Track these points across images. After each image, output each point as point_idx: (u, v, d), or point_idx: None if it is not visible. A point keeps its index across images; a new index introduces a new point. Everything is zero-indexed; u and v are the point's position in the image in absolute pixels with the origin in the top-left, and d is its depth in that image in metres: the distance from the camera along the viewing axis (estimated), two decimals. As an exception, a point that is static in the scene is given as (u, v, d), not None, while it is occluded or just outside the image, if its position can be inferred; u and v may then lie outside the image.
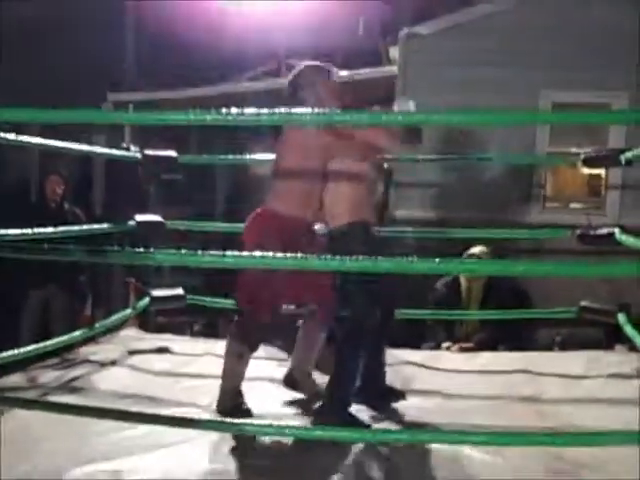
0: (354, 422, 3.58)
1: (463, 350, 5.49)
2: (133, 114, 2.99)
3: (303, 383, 4.11)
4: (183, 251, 2.63)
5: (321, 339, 4.15)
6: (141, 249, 2.65)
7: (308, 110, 2.68)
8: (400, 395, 4.15)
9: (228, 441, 3.36)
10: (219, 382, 4.39)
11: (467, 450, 3.27)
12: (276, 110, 2.58)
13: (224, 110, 2.57)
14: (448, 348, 5.62)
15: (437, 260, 2.48)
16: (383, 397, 4.07)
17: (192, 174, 8.81)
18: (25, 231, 3.91)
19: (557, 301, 5.64)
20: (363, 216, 3.81)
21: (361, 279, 3.62)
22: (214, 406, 3.86)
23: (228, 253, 2.60)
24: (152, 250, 2.69)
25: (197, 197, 8.95)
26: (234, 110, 2.57)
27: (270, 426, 3.02)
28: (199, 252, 2.62)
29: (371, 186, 3.94)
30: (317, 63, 4.10)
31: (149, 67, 9.60)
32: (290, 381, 4.14)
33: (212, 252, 2.62)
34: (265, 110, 2.59)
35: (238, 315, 3.95)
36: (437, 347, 5.70)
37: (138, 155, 5.25)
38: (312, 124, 3.15)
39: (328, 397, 3.74)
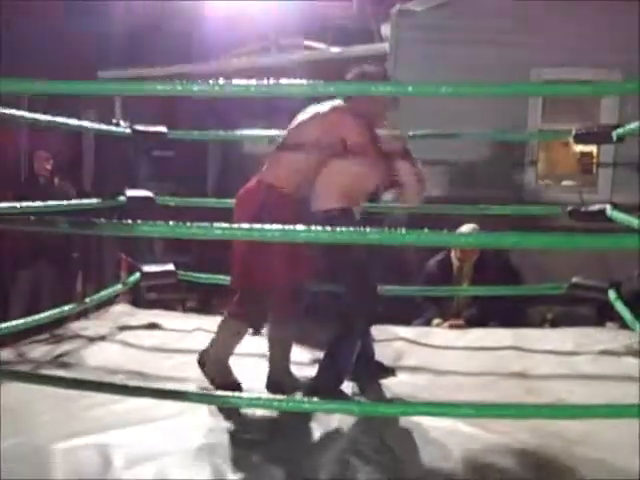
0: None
1: (453, 327, 5.49)
2: (124, 84, 2.96)
3: (286, 383, 3.86)
4: (170, 223, 2.62)
5: (291, 334, 3.98)
6: (124, 221, 2.64)
7: (295, 82, 2.65)
8: (389, 371, 4.15)
9: (217, 416, 3.36)
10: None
11: (457, 425, 3.28)
12: (263, 82, 2.56)
13: (211, 81, 2.56)
14: (438, 325, 5.63)
15: (425, 231, 2.46)
16: (372, 373, 4.07)
17: (183, 152, 8.79)
18: (13, 204, 3.91)
19: (549, 280, 5.65)
20: (348, 203, 3.78)
21: (351, 263, 3.65)
22: (205, 380, 3.86)
23: (216, 224, 2.59)
24: (139, 222, 2.66)
25: (188, 174, 8.91)
26: (221, 81, 2.55)
27: (259, 399, 3.02)
28: (187, 224, 2.61)
29: (369, 174, 3.87)
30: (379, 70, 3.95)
31: (139, 44, 9.52)
32: (272, 385, 3.88)
33: (200, 224, 2.61)
34: (252, 82, 2.57)
35: (237, 294, 3.90)
36: (427, 324, 5.70)
37: (128, 130, 5.24)
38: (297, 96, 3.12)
39: (320, 375, 3.73)
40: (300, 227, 2.53)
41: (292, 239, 2.59)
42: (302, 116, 3.87)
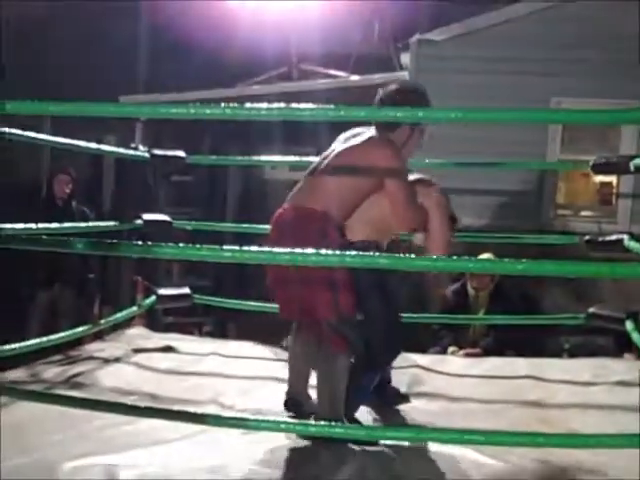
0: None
1: (469, 355, 5.47)
2: (139, 107, 3.01)
3: (305, 403, 3.82)
4: (181, 244, 2.63)
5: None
6: (136, 243, 2.65)
7: (308, 106, 2.66)
8: (404, 398, 4.12)
9: (228, 438, 3.34)
10: (223, 381, 4.45)
11: (470, 453, 3.26)
12: (274, 105, 2.58)
13: (222, 105, 2.58)
14: (454, 353, 5.60)
15: (434, 257, 2.46)
16: (388, 399, 4.04)
17: (203, 177, 8.86)
18: (30, 225, 3.93)
19: (567, 311, 5.61)
20: (377, 237, 3.67)
21: (379, 292, 3.58)
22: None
23: (226, 247, 2.60)
24: (150, 244, 2.68)
25: (207, 199, 8.96)
26: (232, 105, 2.58)
27: (277, 422, 3.00)
28: (197, 245, 2.62)
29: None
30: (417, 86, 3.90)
31: (161, 70, 9.64)
32: (292, 405, 3.83)
33: (209, 245, 2.62)
34: (264, 105, 2.59)
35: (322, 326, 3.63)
36: (444, 352, 5.68)
37: (147, 155, 5.28)
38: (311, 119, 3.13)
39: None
40: (310, 250, 2.52)
41: (302, 262, 2.59)
42: (344, 142, 3.72)
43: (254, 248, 2.54)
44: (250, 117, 2.68)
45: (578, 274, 2.43)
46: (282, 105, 2.61)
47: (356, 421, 3.55)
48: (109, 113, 3.04)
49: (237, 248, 2.56)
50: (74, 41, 9.10)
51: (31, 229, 3.90)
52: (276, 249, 2.60)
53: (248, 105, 2.63)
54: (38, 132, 4.05)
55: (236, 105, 2.58)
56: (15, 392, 3.61)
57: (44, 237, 3.03)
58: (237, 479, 2.91)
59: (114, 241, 2.73)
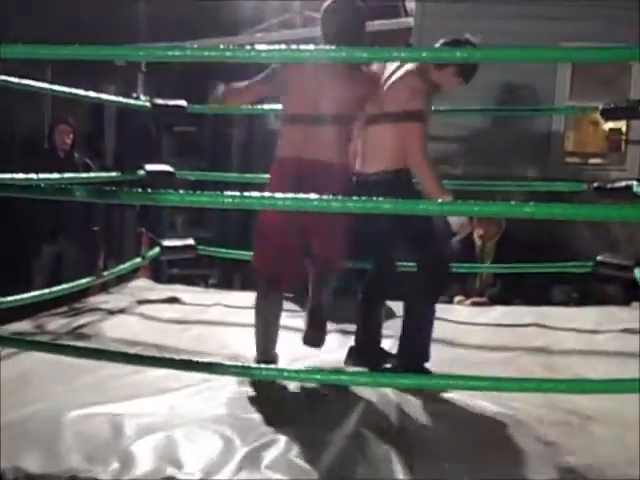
0: None
1: (476, 304, 5.44)
2: (134, 50, 2.94)
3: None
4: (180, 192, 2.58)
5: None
6: (136, 190, 2.61)
7: (309, 47, 2.60)
8: (390, 356, 3.93)
9: (231, 388, 3.33)
10: (229, 330, 4.44)
11: (474, 399, 3.25)
12: (275, 47, 2.51)
13: (221, 45, 2.51)
14: (460, 302, 5.57)
15: (439, 201, 2.41)
16: (374, 359, 3.89)
17: (206, 127, 8.76)
18: (31, 176, 3.89)
19: (575, 259, 5.56)
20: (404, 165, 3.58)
21: (429, 234, 3.54)
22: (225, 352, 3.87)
23: (226, 193, 2.55)
24: (150, 191, 2.63)
25: (210, 149, 8.88)
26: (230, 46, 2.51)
27: (288, 371, 2.98)
28: (197, 192, 2.57)
29: None
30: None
31: (161, 18, 9.46)
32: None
33: (210, 192, 2.57)
34: (264, 47, 2.52)
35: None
36: (450, 302, 5.64)
37: (148, 104, 5.22)
38: (313, 61, 3.04)
39: (405, 354, 3.64)
40: (314, 195, 2.46)
41: (305, 208, 2.54)
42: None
43: (255, 194, 2.48)
44: (250, 59, 2.61)
45: (586, 217, 2.37)
46: (283, 47, 2.54)
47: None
48: (104, 56, 2.96)
49: (238, 194, 2.51)
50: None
51: (32, 179, 3.88)
52: (278, 194, 2.54)
53: (247, 47, 2.56)
54: (39, 80, 4.00)
55: (235, 47, 2.51)
56: (18, 342, 3.60)
57: (43, 185, 2.96)
58: (240, 428, 2.88)
59: (114, 189, 2.68)
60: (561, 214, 2.28)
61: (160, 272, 6.60)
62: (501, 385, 2.81)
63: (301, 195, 2.47)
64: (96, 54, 2.69)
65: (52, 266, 6.45)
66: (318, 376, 2.66)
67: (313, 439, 2.80)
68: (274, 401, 3.22)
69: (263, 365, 3.26)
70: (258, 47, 2.58)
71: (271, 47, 2.57)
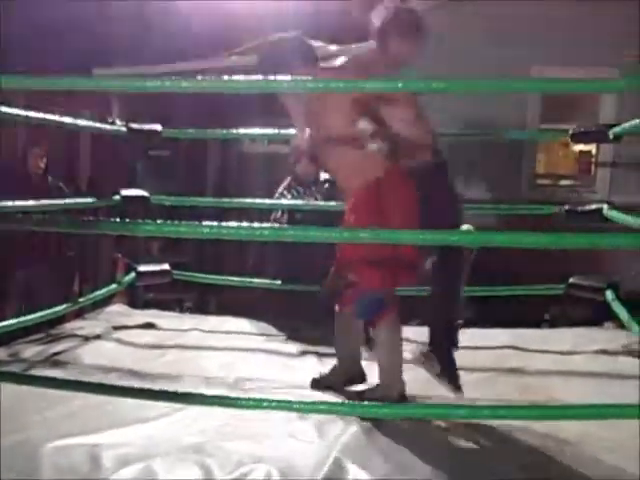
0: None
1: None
2: (116, 81, 2.92)
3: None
4: (158, 222, 2.59)
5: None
6: (114, 220, 2.61)
7: (285, 78, 2.62)
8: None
9: (207, 416, 3.32)
10: (205, 354, 4.44)
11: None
12: (251, 77, 2.54)
13: (198, 77, 2.54)
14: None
15: (420, 231, 2.44)
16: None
17: (181, 151, 8.77)
18: (6, 203, 3.87)
19: (548, 280, 5.61)
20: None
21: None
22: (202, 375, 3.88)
23: (204, 223, 2.56)
24: (128, 221, 2.64)
25: (186, 173, 8.89)
26: (209, 78, 2.54)
27: (254, 400, 2.99)
28: (175, 222, 2.58)
29: None
30: (294, 36, 3.67)
31: (135, 42, 9.49)
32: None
33: (188, 223, 2.58)
34: (239, 77, 2.55)
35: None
36: (423, 324, 5.66)
37: (123, 129, 5.23)
38: (288, 90, 3.07)
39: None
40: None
41: (279, 237, 2.56)
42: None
43: (232, 224, 2.51)
44: (228, 90, 2.64)
45: (557, 245, 2.40)
46: (259, 77, 2.56)
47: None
48: (90, 87, 3.00)
49: (215, 224, 2.53)
50: (46, 17, 8.94)
51: (9, 207, 3.86)
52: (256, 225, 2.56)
53: (226, 77, 2.58)
54: (10, 106, 3.95)
55: (212, 78, 2.54)
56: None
57: (39, 215, 2.96)
58: (219, 457, 2.88)
59: (93, 219, 2.69)
60: (534, 243, 2.31)
61: (136, 296, 6.57)
62: (478, 414, 2.83)
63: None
64: (84, 85, 2.72)
65: (26, 291, 6.40)
66: (295, 406, 2.66)
67: (292, 468, 2.81)
68: (253, 429, 3.22)
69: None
70: (235, 78, 2.59)
71: (249, 78, 2.59)
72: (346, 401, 3.52)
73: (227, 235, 2.56)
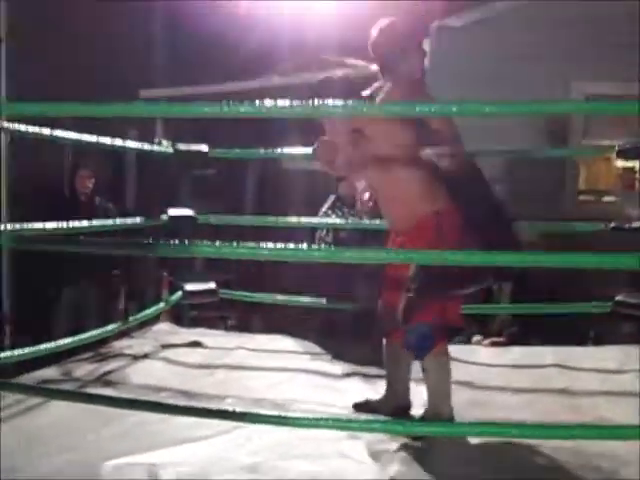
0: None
1: (494, 344, 5.47)
2: (169, 107, 2.96)
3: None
4: (217, 244, 2.65)
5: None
6: (173, 242, 2.67)
7: (338, 102, 2.67)
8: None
9: (260, 436, 3.36)
10: (252, 374, 4.49)
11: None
12: (308, 102, 2.59)
13: (257, 103, 2.59)
14: (478, 342, 5.60)
15: (467, 252, 2.47)
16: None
17: (223, 169, 8.86)
18: (59, 225, 3.95)
19: (594, 296, 5.59)
20: None
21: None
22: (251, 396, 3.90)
23: (263, 245, 2.61)
24: (187, 243, 2.70)
25: (226, 191, 8.98)
26: (267, 103, 2.58)
27: (308, 419, 3.02)
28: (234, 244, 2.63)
29: None
30: (341, 77, 3.82)
31: (180, 63, 9.63)
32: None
33: (247, 244, 2.63)
34: (297, 102, 2.59)
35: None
36: (468, 342, 5.68)
37: (170, 150, 5.31)
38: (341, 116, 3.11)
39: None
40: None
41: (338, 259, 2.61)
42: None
43: (290, 246, 2.55)
44: (285, 115, 2.68)
45: (614, 266, 2.41)
46: (302, 102, 2.57)
47: None
48: (139, 112, 3.07)
49: (273, 246, 2.57)
50: (90, 39, 9.12)
51: (62, 229, 3.95)
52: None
53: (268, 103, 2.60)
54: (58, 127, 4.02)
55: (270, 104, 2.58)
56: (50, 392, 3.64)
57: (92, 239, 3.04)
58: (277, 476, 2.92)
59: (151, 241, 2.74)
60: (565, 262, 2.33)
61: (181, 314, 6.65)
62: (531, 432, 2.84)
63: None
64: (133, 110, 2.78)
65: (74, 309, 6.52)
66: (354, 425, 2.70)
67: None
68: (306, 449, 3.26)
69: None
70: (278, 103, 2.63)
71: (291, 103, 2.62)
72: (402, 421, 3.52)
73: (286, 256, 2.60)
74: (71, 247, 3.28)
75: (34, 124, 3.79)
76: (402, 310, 3.38)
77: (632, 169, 7.50)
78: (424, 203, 3.44)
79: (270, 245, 2.56)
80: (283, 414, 3.17)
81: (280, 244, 2.59)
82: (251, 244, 2.60)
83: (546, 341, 5.41)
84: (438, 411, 3.47)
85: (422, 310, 3.36)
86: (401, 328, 3.48)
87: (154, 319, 5.76)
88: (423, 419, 3.49)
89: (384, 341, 3.75)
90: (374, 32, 3.61)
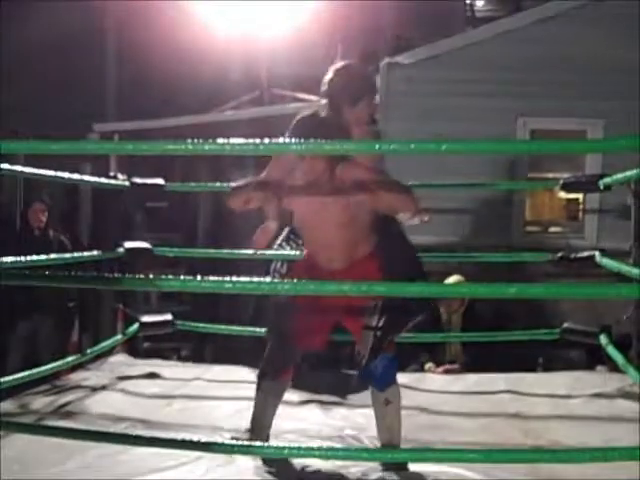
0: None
1: (447, 372, 5.59)
2: (137, 144, 2.96)
3: None
4: (182, 277, 2.70)
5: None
6: (139, 276, 2.71)
7: (294, 140, 2.76)
8: None
9: (225, 465, 3.41)
10: (211, 404, 4.53)
11: (456, 470, 3.33)
12: (273, 139, 2.67)
13: (222, 140, 2.66)
14: (430, 369, 5.70)
15: (429, 284, 2.57)
16: None
17: (175, 202, 8.90)
18: (13, 259, 3.94)
19: (540, 323, 5.75)
20: None
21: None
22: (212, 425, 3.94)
23: (228, 278, 2.67)
24: (150, 276, 2.75)
25: (179, 224, 9.01)
26: (233, 140, 2.66)
27: (272, 447, 3.08)
28: (198, 277, 2.69)
29: None
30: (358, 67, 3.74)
31: (133, 97, 9.68)
32: None
33: (212, 277, 2.68)
34: (262, 140, 2.67)
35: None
36: (421, 369, 5.79)
37: (126, 183, 5.34)
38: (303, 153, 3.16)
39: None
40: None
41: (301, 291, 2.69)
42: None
43: (256, 279, 2.63)
44: (248, 152, 2.76)
45: (570, 296, 2.52)
46: (258, 141, 2.65)
47: None
48: (94, 151, 3.11)
49: (240, 279, 2.64)
50: (42, 74, 9.14)
51: (20, 262, 3.94)
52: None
53: (220, 140, 2.66)
54: (11, 161, 4.01)
55: (237, 141, 2.66)
56: (10, 426, 3.62)
57: (58, 273, 3.07)
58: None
59: (116, 275, 2.79)
60: (545, 294, 2.45)
61: (135, 346, 6.65)
62: (488, 457, 2.93)
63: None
64: (89, 149, 2.84)
65: (28, 341, 6.49)
66: (317, 452, 2.76)
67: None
68: (268, 476, 3.31)
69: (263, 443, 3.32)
70: (232, 141, 2.71)
71: (247, 141, 2.70)
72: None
73: (251, 289, 2.68)
74: (34, 281, 3.27)
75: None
76: (372, 344, 3.41)
77: (576, 200, 7.75)
78: (364, 243, 3.50)
79: (234, 279, 2.62)
80: (246, 443, 3.22)
81: (244, 278, 2.66)
82: (215, 278, 2.65)
83: (497, 368, 5.54)
84: (396, 439, 3.53)
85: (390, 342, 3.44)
86: (363, 363, 3.51)
87: (109, 351, 5.75)
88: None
89: (271, 379, 3.62)
90: (330, 71, 3.70)
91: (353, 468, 3.33)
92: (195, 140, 2.74)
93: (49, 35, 9.30)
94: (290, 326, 3.44)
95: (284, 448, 2.87)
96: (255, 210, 3.84)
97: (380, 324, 3.36)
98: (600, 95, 7.28)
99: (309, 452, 2.77)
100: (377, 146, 2.76)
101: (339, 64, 3.70)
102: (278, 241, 5.99)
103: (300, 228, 3.72)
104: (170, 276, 2.73)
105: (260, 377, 3.62)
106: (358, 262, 3.44)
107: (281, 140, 2.76)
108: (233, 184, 3.72)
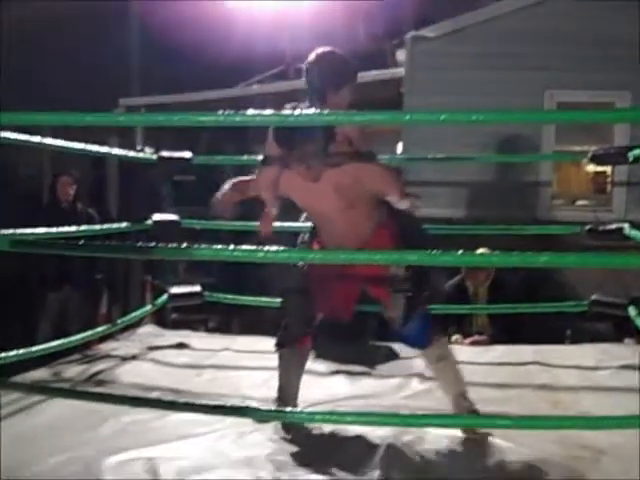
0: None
1: (475, 343, 5.59)
2: (169, 115, 2.98)
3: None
4: (218, 246, 2.72)
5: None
6: (171, 245, 2.74)
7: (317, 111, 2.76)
8: None
9: (254, 431, 3.45)
10: (240, 373, 4.58)
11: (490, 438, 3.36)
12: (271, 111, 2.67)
13: (249, 111, 2.67)
14: (457, 341, 5.71)
15: (460, 252, 2.57)
16: None
17: (202, 175, 8.93)
18: (42, 230, 4.02)
19: (567, 297, 5.74)
20: None
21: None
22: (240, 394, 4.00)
23: (260, 247, 2.69)
24: (186, 246, 2.77)
25: (205, 197, 9.03)
26: (253, 111, 2.67)
27: (297, 413, 3.11)
28: (231, 246, 2.71)
29: None
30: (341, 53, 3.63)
31: (158, 71, 9.69)
32: None
33: (245, 247, 2.71)
34: (284, 111, 2.68)
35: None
36: (449, 342, 5.78)
37: (154, 157, 5.38)
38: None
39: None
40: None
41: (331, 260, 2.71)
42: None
43: (285, 248, 2.65)
44: (268, 124, 2.77)
45: (601, 265, 2.53)
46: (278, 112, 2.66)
47: None
48: (117, 123, 3.14)
49: (271, 249, 2.66)
50: (68, 48, 9.17)
51: (49, 234, 4.02)
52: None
53: (244, 112, 2.69)
54: (39, 134, 4.04)
55: (232, 112, 2.67)
56: (50, 391, 3.69)
57: (77, 242, 3.10)
58: (273, 470, 3.01)
59: (152, 245, 2.80)
60: (575, 263, 2.45)
61: (164, 317, 6.71)
62: (520, 423, 2.95)
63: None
64: (112, 121, 2.87)
65: (58, 313, 6.57)
66: (348, 418, 2.79)
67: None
68: (299, 443, 3.35)
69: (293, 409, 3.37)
70: (255, 112, 2.73)
71: (267, 112, 2.72)
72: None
73: (281, 259, 2.70)
74: (68, 251, 3.32)
75: (14, 131, 3.84)
76: (406, 305, 3.45)
77: (604, 173, 7.69)
78: (371, 222, 3.51)
79: (266, 248, 2.65)
80: (280, 409, 3.26)
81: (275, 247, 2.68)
82: (247, 247, 2.68)
83: (524, 341, 5.55)
84: (461, 389, 3.63)
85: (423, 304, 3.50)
86: (398, 328, 3.57)
87: (138, 322, 5.82)
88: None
89: (289, 347, 3.66)
90: (313, 55, 3.59)
91: (376, 432, 3.34)
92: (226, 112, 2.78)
93: (73, 9, 9.33)
94: (306, 295, 3.49)
95: (315, 413, 2.91)
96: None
97: (409, 286, 3.41)
98: (627, 67, 7.19)
99: (341, 418, 2.80)
100: (408, 116, 2.75)
101: (320, 50, 3.66)
102: (305, 214, 6.03)
103: (308, 215, 3.75)
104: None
105: (278, 346, 3.66)
106: (370, 238, 3.46)
107: (309, 111, 2.76)
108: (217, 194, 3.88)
